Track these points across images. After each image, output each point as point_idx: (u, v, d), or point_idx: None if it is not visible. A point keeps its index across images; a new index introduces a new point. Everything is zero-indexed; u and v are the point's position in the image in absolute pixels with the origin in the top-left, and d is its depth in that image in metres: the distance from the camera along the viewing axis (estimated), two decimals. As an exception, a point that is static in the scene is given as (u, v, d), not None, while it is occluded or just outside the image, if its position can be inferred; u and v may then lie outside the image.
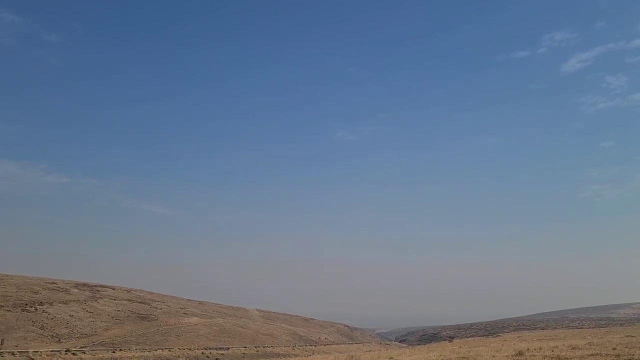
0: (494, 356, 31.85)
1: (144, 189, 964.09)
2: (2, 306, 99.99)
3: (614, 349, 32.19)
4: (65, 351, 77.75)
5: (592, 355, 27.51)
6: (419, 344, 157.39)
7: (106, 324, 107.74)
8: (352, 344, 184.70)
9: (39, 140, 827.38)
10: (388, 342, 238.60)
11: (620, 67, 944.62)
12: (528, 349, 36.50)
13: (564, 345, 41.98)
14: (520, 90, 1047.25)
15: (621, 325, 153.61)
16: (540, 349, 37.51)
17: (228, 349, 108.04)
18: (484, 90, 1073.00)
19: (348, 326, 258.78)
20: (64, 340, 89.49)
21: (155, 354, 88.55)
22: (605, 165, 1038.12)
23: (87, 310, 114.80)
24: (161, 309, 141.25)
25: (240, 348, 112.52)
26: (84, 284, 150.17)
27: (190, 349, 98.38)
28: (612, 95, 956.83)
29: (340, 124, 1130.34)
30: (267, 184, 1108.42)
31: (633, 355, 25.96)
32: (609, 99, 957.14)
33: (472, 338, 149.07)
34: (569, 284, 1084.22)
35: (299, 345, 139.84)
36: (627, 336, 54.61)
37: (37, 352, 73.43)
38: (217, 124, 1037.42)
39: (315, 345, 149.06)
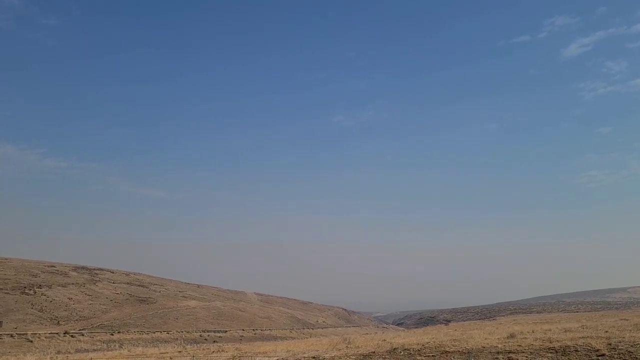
0: (486, 338, 32.10)
1: (140, 172, 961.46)
2: (1, 289, 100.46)
3: (606, 331, 32.45)
4: (64, 333, 78.42)
5: (583, 337, 27.71)
6: (415, 328, 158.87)
7: (105, 307, 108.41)
8: (349, 327, 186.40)
9: (37, 124, 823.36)
10: (385, 326, 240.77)
11: (621, 53, 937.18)
12: (521, 332, 36.80)
13: (557, 328, 42.33)
14: (520, 76, 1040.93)
15: (617, 309, 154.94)
16: (533, 331, 37.82)
17: (226, 331, 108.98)
18: (483, 77, 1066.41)
19: (346, 310, 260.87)
20: (63, 323, 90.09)
21: (154, 336, 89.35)
22: (603, 151, 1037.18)
23: (86, 293, 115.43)
24: (160, 292, 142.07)
25: (238, 331, 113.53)
26: (82, 267, 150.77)
27: (188, 332, 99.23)
28: (612, 81, 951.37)
29: (338, 109, 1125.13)
30: (262, 168, 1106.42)
31: (623, 337, 26.14)
32: (609, 84, 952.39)
33: (468, 321, 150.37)
34: (565, 269, 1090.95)
35: (296, 328, 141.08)
36: (621, 319, 55.08)
37: (35, 334, 74.02)
38: (214, 106, 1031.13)
39: (312, 329, 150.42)
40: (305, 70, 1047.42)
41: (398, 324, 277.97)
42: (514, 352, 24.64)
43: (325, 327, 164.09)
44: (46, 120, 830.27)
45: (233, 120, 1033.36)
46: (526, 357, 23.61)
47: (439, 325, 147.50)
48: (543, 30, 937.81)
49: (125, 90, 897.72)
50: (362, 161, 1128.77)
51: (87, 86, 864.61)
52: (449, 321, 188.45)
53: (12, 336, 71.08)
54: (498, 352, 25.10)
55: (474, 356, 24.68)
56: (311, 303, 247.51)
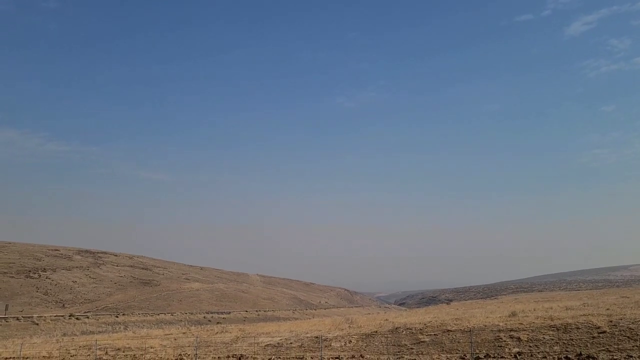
0: (488, 317, 32.24)
1: (142, 155, 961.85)
2: (5, 273, 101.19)
3: (607, 309, 32.57)
4: (69, 316, 79.13)
5: (584, 315, 27.80)
6: (417, 307, 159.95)
7: (109, 290, 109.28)
8: (352, 307, 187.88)
9: (39, 108, 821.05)
10: (387, 306, 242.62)
11: (625, 30, 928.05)
12: (522, 310, 36.96)
13: (558, 306, 42.53)
14: (523, 55, 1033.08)
15: (618, 287, 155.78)
16: (534, 310, 37.98)
17: (229, 313, 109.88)
18: (486, 57, 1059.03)
19: (348, 290, 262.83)
20: (68, 306, 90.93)
21: (158, 318, 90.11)
22: (605, 130, 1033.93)
23: (90, 277, 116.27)
24: (163, 274, 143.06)
25: (242, 312, 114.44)
26: (86, 251, 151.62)
27: (192, 314, 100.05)
28: (616, 59, 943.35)
29: (340, 90, 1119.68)
30: (264, 149, 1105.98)
31: (624, 315, 26.21)
32: (612, 62, 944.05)
33: (470, 301, 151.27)
34: (567, 247, 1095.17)
35: (299, 309, 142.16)
36: (622, 297, 55.32)
37: (41, 317, 74.71)
38: (215, 89, 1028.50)
39: (315, 309, 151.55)
40: (306, 51, 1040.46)
41: (400, 304, 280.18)
42: (516, 330, 24.74)
43: (327, 308, 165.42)
44: (48, 105, 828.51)
45: (234, 103, 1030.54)
46: (528, 335, 23.71)
47: (440, 304, 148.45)
48: (546, 8, 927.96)
49: (126, 74, 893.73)
50: (362, 142, 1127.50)
51: (89, 69, 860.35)
52: (451, 300, 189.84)
53: (18, 319, 71.78)
54: (499, 331, 25.20)
55: (475, 334, 24.79)
56: (313, 284, 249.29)
